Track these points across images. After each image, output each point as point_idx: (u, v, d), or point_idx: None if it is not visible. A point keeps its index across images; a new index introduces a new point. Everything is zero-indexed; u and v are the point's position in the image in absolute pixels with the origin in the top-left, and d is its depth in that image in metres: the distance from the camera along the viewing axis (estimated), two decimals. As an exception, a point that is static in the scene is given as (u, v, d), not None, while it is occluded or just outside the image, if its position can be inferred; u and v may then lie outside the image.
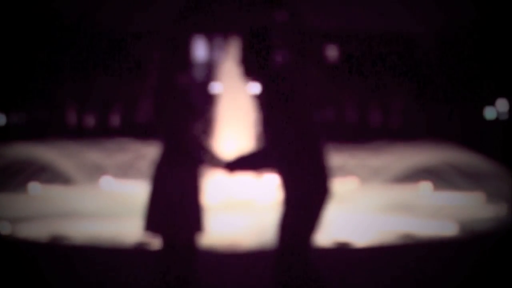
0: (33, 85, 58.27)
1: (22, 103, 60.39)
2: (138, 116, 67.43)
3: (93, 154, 19.31)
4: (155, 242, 9.13)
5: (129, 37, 76.38)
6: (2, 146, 17.27)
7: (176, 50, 5.24)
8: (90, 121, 70.54)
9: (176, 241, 5.12)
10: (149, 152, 18.22)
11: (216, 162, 5.15)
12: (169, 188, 5.10)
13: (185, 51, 5.30)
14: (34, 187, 17.22)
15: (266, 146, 4.74)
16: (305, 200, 4.63)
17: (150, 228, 5.16)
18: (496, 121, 61.89)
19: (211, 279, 7.39)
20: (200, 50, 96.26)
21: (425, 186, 18.00)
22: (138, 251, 9.50)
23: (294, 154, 4.61)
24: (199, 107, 5.34)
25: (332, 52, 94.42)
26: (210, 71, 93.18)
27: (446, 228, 11.21)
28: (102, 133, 43.32)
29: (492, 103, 62.52)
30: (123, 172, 19.23)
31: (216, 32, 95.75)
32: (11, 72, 55.47)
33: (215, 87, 16.89)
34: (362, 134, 43.10)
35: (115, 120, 73.36)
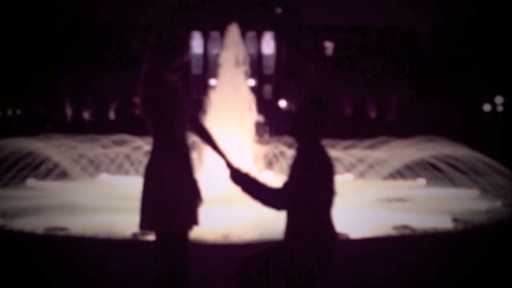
0: (31, 80, 58.12)
1: (20, 97, 60.25)
2: (135, 110, 67.42)
3: (90, 148, 19.34)
4: (151, 236, 9.21)
5: (128, 32, 76.28)
6: (1, 140, 17.28)
7: (169, 46, 5.20)
8: (88, 116, 70.44)
9: (171, 235, 5.14)
10: (145, 147, 18.28)
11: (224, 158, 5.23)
12: (163, 183, 5.10)
13: (178, 46, 5.26)
14: (32, 181, 17.26)
15: (283, 194, 4.94)
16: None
17: (145, 224, 5.17)
18: (493, 116, 61.93)
19: (208, 272, 7.45)
20: (196, 44, 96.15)
21: (421, 181, 18.07)
22: (133, 243, 9.56)
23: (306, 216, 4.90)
24: (192, 102, 5.34)
25: (329, 47, 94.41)
26: (206, 64, 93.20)
27: (440, 222, 11.27)
28: (100, 127, 43.28)
29: (489, 98, 62.55)
30: (120, 166, 19.27)
31: (212, 27, 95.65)
32: (8, 67, 55.29)
33: (211, 80, 16.95)
34: (359, 129, 43.13)
35: (113, 114, 73.27)
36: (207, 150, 16.25)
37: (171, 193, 5.10)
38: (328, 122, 5.00)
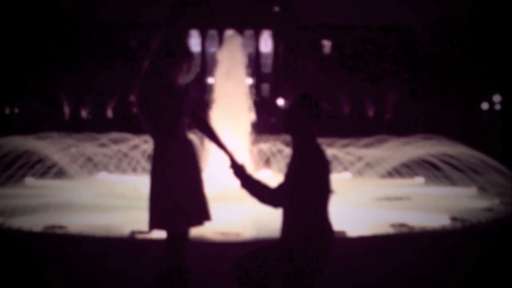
0: (30, 78, 58.03)
1: (19, 96, 60.17)
2: (133, 109, 67.35)
3: (88, 146, 19.33)
4: (149, 234, 9.21)
5: (126, 31, 76.19)
6: None
7: (172, 52, 5.19)
8: (86, 114, 70.37)
9: (180, 233, 5.16)
10: (143, 145, 18.28)
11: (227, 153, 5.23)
12: (171, 181, 5.09)
13: (181, 54, 5.24)
14: (30, 179, 17.24)
15: (280, 192, 5.00)
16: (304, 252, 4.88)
17: (156, 224, 5.17)
18: (491, 115, 61.96)
19: (206, 270, 7.46)
20: (194, 42, 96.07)
21: (419, 179, 18.08)
22: (131, 242, 9.55)
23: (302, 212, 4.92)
24: (192, 100, 5.32)
25: (326, 45, 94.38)
26: (204, 63, 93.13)
27: (438, 221, 11.28)
28: (98, 126, 43.26)
29: (487, 97, 62.56)
30: (118, 164, 19.27)
31: (210, 26, 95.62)
32: (7, 65, 55.21)
33: (210, 79, 16.94)
34: (357, 128, 43.15)
35: (111, 113, 73.20)
36: (206, 150, 16.33)
37: (178, 192, 5.11)
38: (320, 119, 5.02)
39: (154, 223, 5.22)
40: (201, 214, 5.24)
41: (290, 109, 5.04)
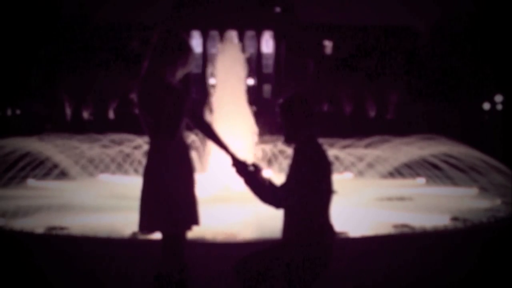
0: (31, 80, 58.05)
1: (20, 97, 60.20)
2: (134, 109, 67.24)
3: (90, 148, 19.34)
4: (150, 235, 9.21)
5: (127, 31, 76.18)
6: (0, 140, 17.27)
7: (172, 50, 5.18)
8: (87, 115, 70.39)
9: (171, 235, 5.14)
10: (145, 146, 18.27)
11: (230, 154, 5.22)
12: (162, 185, 5.08)
13: (182, 52, 5.23)
14: (32, 180, 17.26)
15: (282, 193, 5.00)
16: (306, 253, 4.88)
17: (145, 226, 5.16)
18: (493, 115, 61.92)
19: (207, 271, 7.46)
20: (195, 43, 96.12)
21: (420, 180, 18.07)
22: (133, 243, 9.55)
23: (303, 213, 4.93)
24: (191, 102, 5.31)
25: (328, 46, 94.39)
26: (205, 64, 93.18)
27: (440, 221, 11.28)
28: (99, 127, 43.28)
29: (489, 97, 62.52)
30: (119, 165, 19.28)
31: (212, 27, 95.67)
32: (8, 67, 55.23)
33: (211, 80, 16.91)
34: (358, 128, 43.14)
35: (112, 114, 73.22)
36: (207, 150, 16.32)
37: (170, 194, 5.09)
38: (313, 116, 5.02)
39: (143, 225, 5.19)
40: (191, 218, 5.22)
41: (281, 115, 5.05)
